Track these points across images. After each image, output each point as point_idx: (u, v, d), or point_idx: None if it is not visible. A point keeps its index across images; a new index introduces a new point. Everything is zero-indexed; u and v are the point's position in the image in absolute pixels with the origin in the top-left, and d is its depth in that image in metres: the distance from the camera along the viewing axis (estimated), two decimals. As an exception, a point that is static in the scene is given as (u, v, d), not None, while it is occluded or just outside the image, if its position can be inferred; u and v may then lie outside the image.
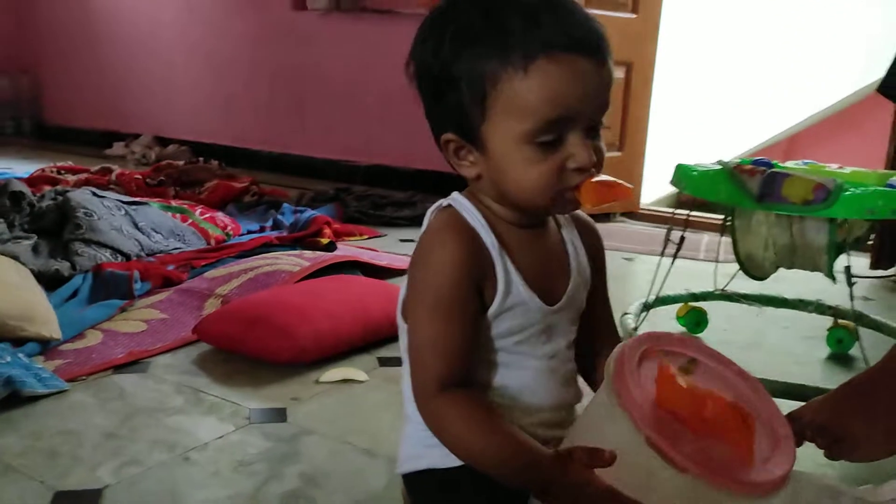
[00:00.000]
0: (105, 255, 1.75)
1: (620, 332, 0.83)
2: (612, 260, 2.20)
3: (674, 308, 1.60)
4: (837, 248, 1.28)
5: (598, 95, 0.64)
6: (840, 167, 1.38)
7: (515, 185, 0.65)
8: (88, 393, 1.18)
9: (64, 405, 1.13)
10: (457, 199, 0.70)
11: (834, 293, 1.48)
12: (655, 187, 3.14)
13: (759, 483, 0.56)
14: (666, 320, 1.62)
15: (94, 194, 1.97)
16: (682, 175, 1.34)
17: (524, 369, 0.70)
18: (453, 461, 0.68)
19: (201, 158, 3.17)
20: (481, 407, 0.65)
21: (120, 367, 1.27)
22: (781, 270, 1.40)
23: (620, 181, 0.66)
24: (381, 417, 1.13)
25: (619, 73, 2.75)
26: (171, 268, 1.76)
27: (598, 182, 0.64)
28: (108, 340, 1.36)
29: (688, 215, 1.42)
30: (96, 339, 1.36)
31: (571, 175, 0.64)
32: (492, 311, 0.67)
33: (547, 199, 0.65)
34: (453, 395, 0.64)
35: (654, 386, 0.59)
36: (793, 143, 4.64)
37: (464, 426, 0.63)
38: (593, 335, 0.76)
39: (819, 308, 1.53)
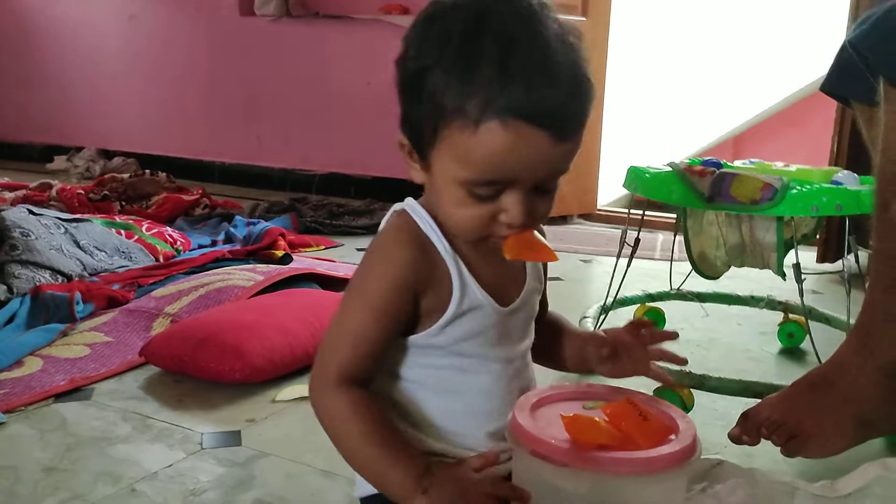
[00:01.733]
0: (44, 277, 1.68)
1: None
2: (570, 262, 2.23)
3: (632, 309, 1.60)
4: (786, 246, 1.30)
5: (552, 167, 0.62)
6: (786, 165, 1.40)
7: (445, 214, 0.66)
8: (27, 424, 1.12)
9: (0, 438, 1.07)
10: (412, 204, 0.69)
11: (783, 289, 1.51)
12: (611, 189, 3.17)
13: (653, 459, 0.55)
14: (624, 322, 1.62)
15: (31, 212, 1.89)
16: (635, 177, 1.35)
17: (481, 374, 0.69)
18: None
19: (148, 171, 3.08)
20: (373, 411, 0.65)
21: (61, 396, 1.21)
22: (733, 269, 1.42)
23: (547, 245, 0.65)
24: (338, 435, 1.10)
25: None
26: (116, 287, 1.70)
27: (524, 240, 0.63)
28: (49, 367, 1.30)
29: (643, 215, 1.43)
30: (36, 366, 1.30)
31: (500, 226, 0.63)
32: (448, 315, 0.66)
33: (470, 237, 0.66)
34: (350, 393, 0.65)
35: (562, 426, 0.59)
36: (739, 141, 4.75)
37: (352, 428, 0.64)
38: (545, 327, 0.77)
39: (770, 304, 1.56)
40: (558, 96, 0.59)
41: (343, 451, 0.66)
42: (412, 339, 0.68)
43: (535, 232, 0.65)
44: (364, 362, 0.66)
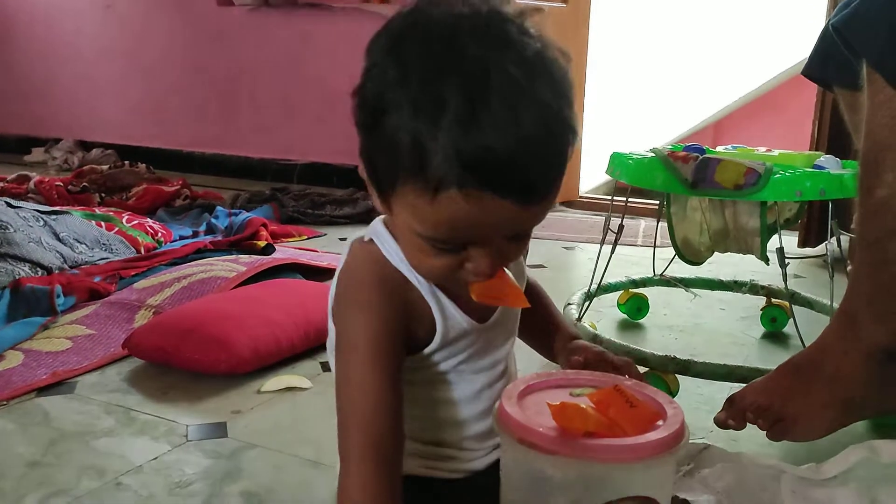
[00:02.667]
0: (24, 270, 1.66)
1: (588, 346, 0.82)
2: (553, 250, 2.23)
3: (615, 296, 1.61)
4: (769, 230, 1.31)
5: (521, 227, 0.58)
6: (769, 150, 1.41)
7: (407, 259, 0.63)
8: (9, 419, 1.10)
9: (-18, 434, 1.06)
10: (380, 233, 0.65)
11: (766, 273, 1.52)
12: (593, 175, 3.18)
13: (640, 445, 0.55)
14: (608, 308, 1.64)
15: (9, 205, 1.86)
16: (618, 164, 1.35)
17: (466, 382, 0.69)
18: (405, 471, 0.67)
19: (127, 162, 3.04)
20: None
21: (43, 390, 1.20)
22: (716, 254, 1.43)
23: (517, 289, 0.62)
24: (326, 425, 1.09)
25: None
26: (97, 280, 1.67)
27: (493, 286, 0.60)
28: (30, 361, 1.28)
29: (626, 202, 1.43)
30: (17, 360, 1.28)
31: (466, 273, 0.59)
32: (432, 346, 0.65)
33: (435, 282, 0.63)
34: (374, 472, 0.60)
35: (549, 414, 0.59)
36: (719, 127, 4.78)
37: None
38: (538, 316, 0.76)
39: (753, 288, 1.57)
40: (528, 161, 0.52)
41: None
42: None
43: (505, 271, 0.61)
44: (387, 420, 0.61)
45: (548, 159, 0.54)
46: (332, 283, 0.68)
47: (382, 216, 0.67)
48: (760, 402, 0.92)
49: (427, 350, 0.66)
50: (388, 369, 0.62)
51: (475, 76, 0.52)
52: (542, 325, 0.77)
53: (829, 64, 1.04)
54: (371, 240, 0.66)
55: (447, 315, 0.65)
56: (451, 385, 0.68)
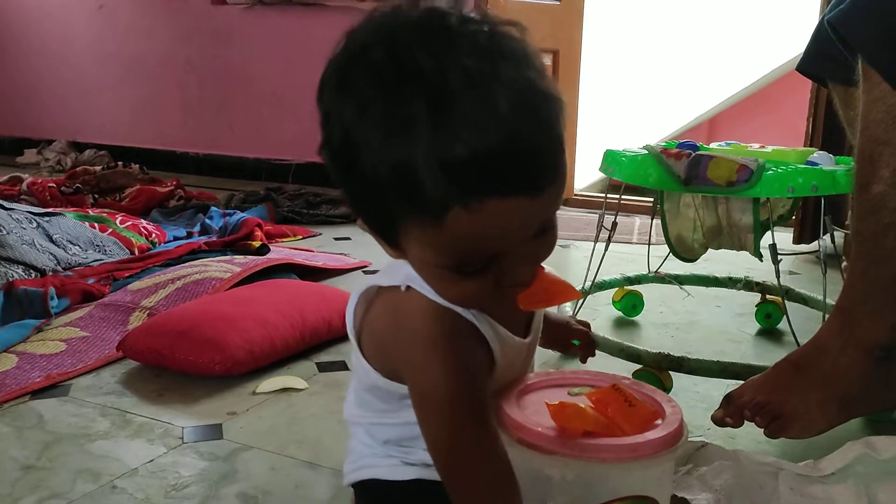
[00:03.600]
0: (17, 272, 1.65)
1: (553, 314, 0.83)
2: (549, 247, 2.23)
3: (610, 293, 1.61)
4: (762, 227, 1.31)
5: (541, 219, 0.53)
6: (762, 147, 1.41)
7: (441, 294, 0.57)
8: (3, 422, 1.10)
9: (-24, 438, 1.05)
10: (415, 277, 0.58)
11: (760, 270, 1.52)
12: (587, 173, 3.18)
13: (639, 444, 0.55)
14: (603, 306, 1.64)
15: (2, 207, 1.85)
16: (611, 161, 1.35)
17: None
18: (402, 475, 0.67)
19: (120, 163, 3.02)
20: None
21: (37, 392, 1.19)
22: (710, 251, 1.43)
23: (562, 281, 0.58)
24: (322, 426, 1.10)
25: (546, 61, 2.77)
26: (91, 281, 1.66)
27: (538, 290, 0.56)
28: (24, 364, 1.27)
29: (619, 199, 1.43)
30: (10, 363, 1.27)
31: (506, 288, 0.55)
32: (496, 371, 0.62)
33: (476, 307, 0.58)
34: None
35: (548, 413, 0.58)
36: (714, 124, 4.79)
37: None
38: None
39: (747, 285, 1.57)
40: (520, 146, 0.48)
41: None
42: None
43: (544, 269, 0.57)
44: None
45: (539, 137, 0.49)
46: (369, 333, 0.64)
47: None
48: (758, 400, 0.91)
49: (498, 368, 0.62)
50: (484, 410, 0.58)
51: (433, 82, 0.48)
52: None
53: (823, 60, 1.04)
54: (408, 287, 0.59)
55: (501, 339, 0.61)
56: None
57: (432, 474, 0.64)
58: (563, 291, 0.58)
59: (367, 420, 0.69)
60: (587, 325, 0.78)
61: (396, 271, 0.60)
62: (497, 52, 0.50)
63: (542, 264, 0.58)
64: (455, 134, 0.47)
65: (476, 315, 0.59)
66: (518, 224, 0.51)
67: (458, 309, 0.58)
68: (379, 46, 0.50)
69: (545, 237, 0.55)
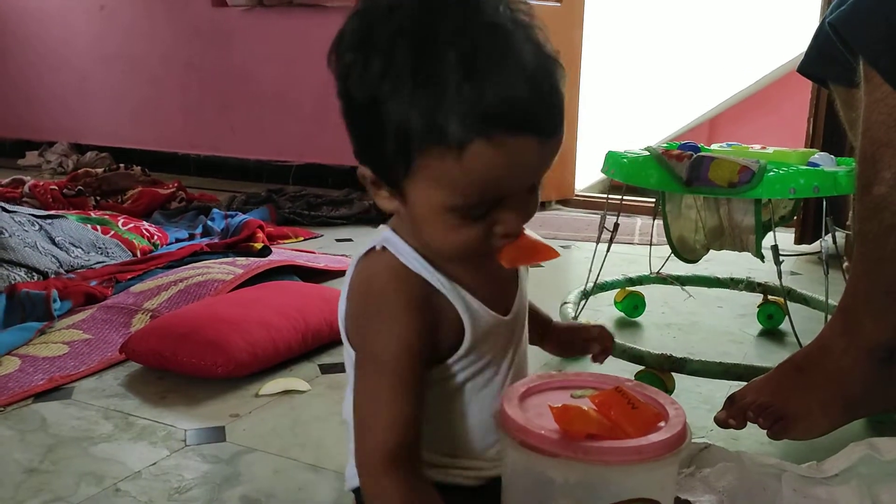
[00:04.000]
0: (19, 275, 1.65)
1: (561, 321, 0.84)
2: (550, 249, 2.23)
3: (612, 294, 1.61)
4: (764, 228, 1.32)
5: (543, 168, 0.59)
6: (763, 147, 1.41)
7: (433, 242, 0.61)
8: (6, 425, 1.10)
9: (-21, 441, 1.05)
10: (390, 240, 0.64)
11: (762, 271, 1.52)
12: (588, 173, 3.18)
13: (643, 447, 0.55)
14: (605, 306, 1.64)
15: (4, 209, 1.85)
16: (613, 162, 1.35)
17: (489, 387, 0.68)
18: None
19: (122, 165, 3.02)
20: (424, 496, 0.61)
21: (40, 395, 1.19)
22: (712, 251, 1.43)
23: (543, 242, 0.63)
24: (325, 428, 1.10)
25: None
26: (93, 283, 1.67)
27: (521, 246, 0.61)
28: (27, 367, 1.27)
29: (621, 200, 1.43)
30: (13, 365, 1.28)
31: (497, 239, 0.60)
32: (462, 350, 0.64)
33: (463, 258, 0.62)
34: (398, 480, 0.60)
35: (551, 416, 0.59)
36: (714, 125, 4.79)
37: None
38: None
39: (749, 286, 1.57)
40: (537, 92, 0.55)
41: None
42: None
43: (527, 230, 0.62)
44: (407, 435, 0.61)
45: (552, 91, 0.56)
46: (342, 298, 0.67)
47: (387, 223, 0.66)
48: (761, 401, 0.92)
49: (454, 357, 0.64)
50: (414, 384, 0.61)
51: (460, 32, 0.54)
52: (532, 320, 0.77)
53: (824, 61, 1.04)
54: (384, 248, 0.64)
55: (473, 312, 0.64)
56: (474, 392, 0.67)
57: (430, 475, 0.66)
58: (543, 251, 0.62)
59: None
60: (601, 327, 0.80)
61: (374, 238, 0.65)
62: (514, 18, 0.56)
63: (526, 229, 0.62)
64: (483, 78, 0.53)
65: (446, 285, 0.63)
66: (526, 167, 0.57)
67: (428, 276, 0.62)
68: (401, 9, 0.56)
69: (534, 196, 0.61)
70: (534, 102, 0.55)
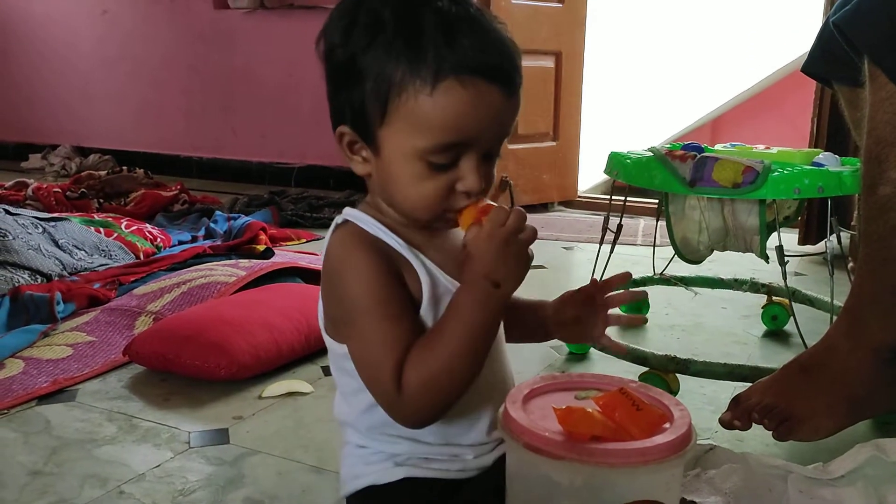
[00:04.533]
0: (23, 277, 1.65)
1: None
2: (553, 250, 2.23)
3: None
4: (768, 228, 1.31)
5: (502, 124, 0.64)
6: (767, 148, 1.41)
7: (401, 195, 0.65)
8: (10, 427, 1.10)
9: (-17, 444, 1.05)
10: (351, 213, 0.69)
11: (766, 272, 1.52)
12: (591, 174, 3.18)
13: (648, 449, 0.55)
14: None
15: (7, 212, 1.86)
16: (616, 163, 1.34)
17: None
18: (391, 476, 0.68)
19: (125, 167, 3.03)
20: (426, 342, 0.62)
21: (44, 398, 1.19)
22: (716, 252, 1.43)
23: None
24: (328, 429, 1.10)
25: (549, 63, 2.77)
26: (96, 286, 1.67)
27: (480, 209, 0.63)
28: (31, 369, 1.27)
29: (624, 201, 1.43)
30: (17, 368, 1.28)
31: (458, 197, 0.64)
32: (424, 304, 0.66)
33: (428, 215, 0.65)
34: (408, 379, 0.62)
35: (555, 418, 0.58)
36: (717, 125, 4.78)
37: (435, 384, 0.61)
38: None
39: (753, 286, 1.57)
40: (501, 50, 0.62)
41: (466, 362, 0.62)
42: None
43: (488, 201, 0.65)
44: (404, 348, 0.63)
45: (514, 57, 0.63)
46: (322, 282, 0.69)
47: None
48: (766, 402, 0.91)
49: (423, 306, 0.66)
50: (403, 317, 0.63)
51: (440, 6, 0.61)
52: (526, 311, 0.78)
53: (828, 61, 1.04)
54: (345, 221, 0.68)
55: (431, 272, 0.66)
56: None
57: (420, 471, 0.68)
58: None
59: (351, 414, 0.71)
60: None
61: (343, 213, 0.70)
62: (479, 9, 0.64)
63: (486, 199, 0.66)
64: (462, 30, 0.60)
65: (405, 247, 0.66)
66: (492, 114, 0.62)
67: (388, 239, 0.66)
68: None
69: (492, 164, 0.66)
70: (503, 61, 0.62)
